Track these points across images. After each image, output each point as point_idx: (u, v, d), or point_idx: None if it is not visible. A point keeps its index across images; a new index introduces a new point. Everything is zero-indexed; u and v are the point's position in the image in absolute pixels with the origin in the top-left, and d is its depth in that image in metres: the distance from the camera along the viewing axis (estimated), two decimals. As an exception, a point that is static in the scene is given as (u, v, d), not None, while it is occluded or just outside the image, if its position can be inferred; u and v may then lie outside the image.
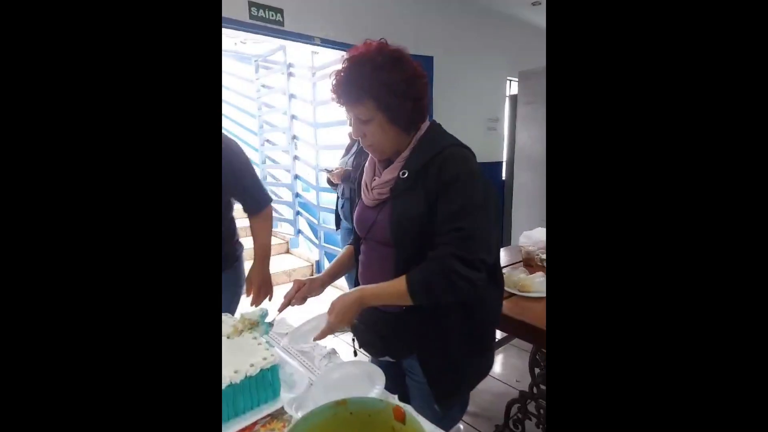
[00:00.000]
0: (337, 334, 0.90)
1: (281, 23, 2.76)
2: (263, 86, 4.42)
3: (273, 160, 4.65)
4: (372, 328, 0.99)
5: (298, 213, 4.24)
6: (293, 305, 1.06)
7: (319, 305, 1.02)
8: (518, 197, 3.63)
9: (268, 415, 0.77)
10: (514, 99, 3.91)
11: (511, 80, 4.54)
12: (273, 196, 4.73)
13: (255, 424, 0.75)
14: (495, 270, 0.98)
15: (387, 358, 1.02)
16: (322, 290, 1.10)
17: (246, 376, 0.75)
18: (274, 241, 4.39)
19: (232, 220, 1.47)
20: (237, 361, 0.76)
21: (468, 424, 1.89)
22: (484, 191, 0.86)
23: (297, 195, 4.20)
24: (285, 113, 4.05)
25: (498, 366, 2.29)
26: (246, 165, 1.39)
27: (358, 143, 2.41)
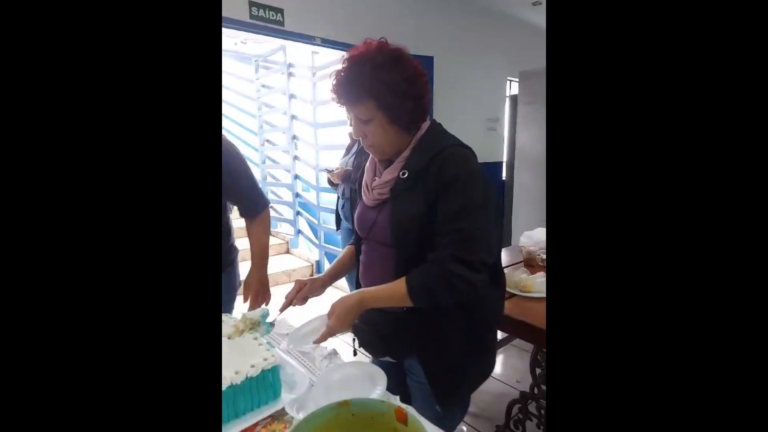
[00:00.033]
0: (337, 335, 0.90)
1: (281, 23, 2.76)
2: (263, 86, 4.42)
3: (273, 160, 4.65)
4: (373, 328, 0.98)
5: (298, 213, 4.24)
6: (294, 305, 1.06)
7: (320, 305, 1.02)
8: (518, 197, 3.63)
9: (269, 416, 0.77)
10: (514, 99, 3.91)
11: (511, 80, 4.54)
12: (273, 196, 4.73)
13: (256, 425, 0.75)
14: (496, 270, 0.98)
15: (388, 359, 1.02)
16: (323, 290, 1.10)
17: (247, 377, 0.74)
18: (273, 241, 4.42)
19: (226, 223, 1.46)
20: (238, 362, 0.76)
21: (468, 424, 1.88)
22: (485, 191, 0.86)
23: (297, 195, 4.20)
24: (285, 113, 4.05)
25: (498, 366, 2.29)
26: (243, 168, 1.37)
27: (359, 143, 2.41)
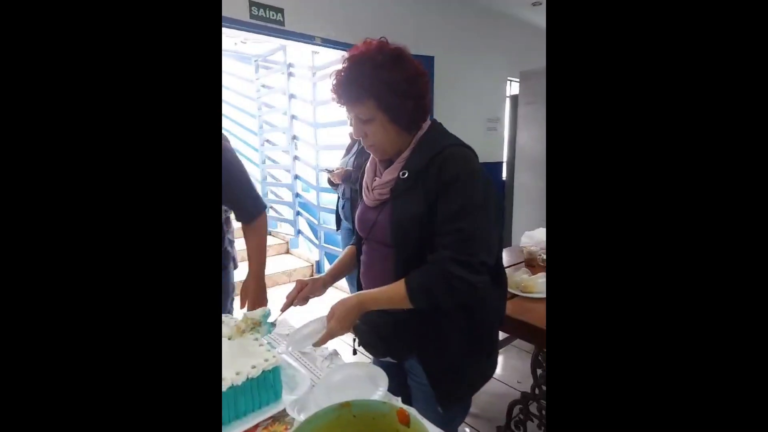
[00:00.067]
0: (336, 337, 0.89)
1: (282, 23, 2.75)
2: (263, 86, 4.42)
3: (273, 160, 4.65)
4: (373, 328, 0.98)
5: (298, 213, 4.24)
6: (296, 305, 1.05)
7: (322, 305, 1.01)
8: (519, 198, 3.62)
9: (270, 417, 0.76)
10: (515, 99, 3.90)
11: (511, 80, 4.54)
12: (273, 197, 4.71)
13: (257, 426, 0.74)
14: (498, 271, 0.98)
15: (388, 359, 1.01)
16: (325, 290, 1.09)
17: (247, 378, 0.74)
18: (273, 241, 4.42)
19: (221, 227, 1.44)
20: (238, 363, 0.76)
21: (469, 425, 1.88)
22: (485, 191, 0.86)
23: (297, 195, 4.20)
24: (285, 113, 4.04)
25: (499, 367, 2.29)
26: (239, 172, 1.34)
27: (359, 143, 2.41)
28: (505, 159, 4.45)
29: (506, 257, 1.88)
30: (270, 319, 0.90)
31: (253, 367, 0.75)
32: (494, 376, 1.03)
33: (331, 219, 3.33)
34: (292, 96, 3.94)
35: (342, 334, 0.87)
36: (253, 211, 1.38)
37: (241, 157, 1.41)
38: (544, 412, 1.64)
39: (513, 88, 4.56)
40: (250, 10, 2.60)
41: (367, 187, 0.98)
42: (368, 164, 1.02)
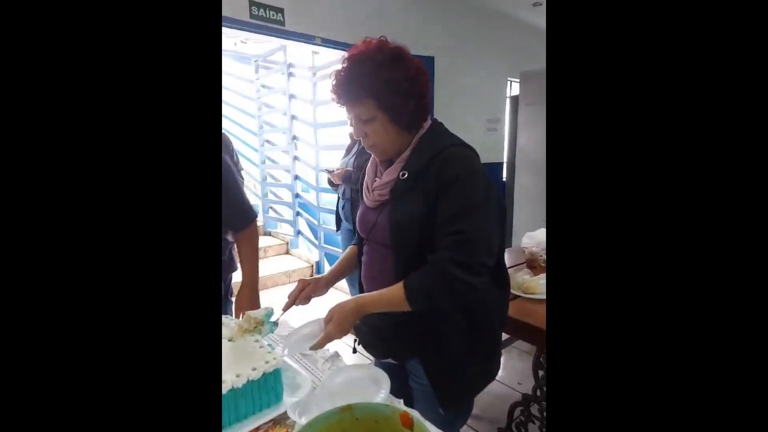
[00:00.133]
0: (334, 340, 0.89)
1: (282, 23, 2.75)
2: (263, 86, 4.41)
3: (273, 161, 4.64)
4: (374, 329, 0.98)
5: (297, 214, 4.23)
6: (298, 305, 1.05)
7: (323, 305, 1.01)
8: (519, 199, 3.63)
9: (271, 420, 0.75)
10: (515, 100, 3.91)
11: (511, 81, 4.54)
12: (272, 197, 4.71)
13: (257, 429, 0.74)
14: (499, 271, 0.97)
15: (390, 361, 1.01)
16: (326, 290, 1.09)
17: (248, 380, 0.73)
18: (273, 241, 4.41)
19: None
20: (239, 365, 0.75)
21: (469, 426, 1.87)
22: (486, 191, 0.85)
23: (297, 196, 4.19)
24: (285, 113, 4.04)
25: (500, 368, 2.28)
26: (229, 179, 1.31)
27: (359, 143, 2.40)
28: (505, 160, 4.45)
29: (507, 258, 1.88)
30: (272, 319, 0.89)
31: (254, 369, 0.74)
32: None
33: (331, 219, 3.33)
34: (292, 96, 3.94)
35: (340, 337, 0.87)
36: (244, 219, 1.34)
37: (241, 158, 1.40)
38: (545, 414, 1.63)
39: (513, 88, 4.55)
40: (250, 9, 2.60)
41: (368, 188, 0.98)
42: (369, 165, 1.02)
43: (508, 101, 4.46)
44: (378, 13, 3.28)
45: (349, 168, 2.46)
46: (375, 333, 0.98)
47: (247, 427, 0.73)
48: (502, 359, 1.04)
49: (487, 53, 4.20)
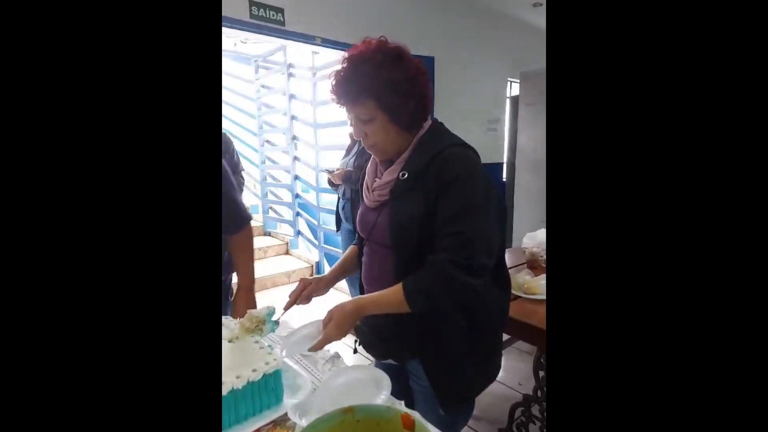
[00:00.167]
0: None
1: (282, 23, 2.74)
2: (263, 87, 4.41)
3: (273, 161, 4.64)
4: (374, 329, 0.98)
5: (297, 214, 4.23)
6: (299, 304, 1.04)
7: (324, 305, 1.00)
8: (519, 199, 3.62)
9: (271, 422, 0.75)
10: (515, 100, 3.90)
11: (511, 81, 4.54)
12: (272, 197, 4.70)
13: (258, 431, 0.73)
14: (500, 272, 0.97)
15: (390, 361, 1.00)
16: (327, 290, 1.09)
17: (248, 382, 0.73)
18: (273, 242, 4.41)
19: None
20: (239, 366, 0.75)
21: (470, 427, 1.87)
22: (486, 191, 0.85)
23: (297, 196, 4.19)
24: (285, 114, 4.04)
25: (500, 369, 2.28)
26: (224, 181, 1.28)
27: (359, 144, 2.40)
28: (505, 160, 4.45)
29: (508, 259, 1.87)
30: (273, 318, 0.88)
31: (254, 370, 0.74)
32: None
33: (331, 220, 3.32)
34: (292, 96, 3.94)
35: (339, 339, 0.86)
36: (238, 221, 1.31)
37: (241, 158, 1.38)
38: (546, 415, 1.63)
39: (513, 89, 4.55)
40: (250, 9, 2.59)
41: (368, 188, 0.98)
42: (369, 165, 1.02)
43: (508, 101, 4.46)
44: (378, 13, 3.28)
45: (350, 168, 2.46)
46: (375, 333, 0.98)
47: (247, 428, 0.73)
48: (503, 360, 1.03)
49: (487, 53, 4.20)
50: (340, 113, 0.97)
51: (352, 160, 2.48)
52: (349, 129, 2.15)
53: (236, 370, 0.74)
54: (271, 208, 4.68)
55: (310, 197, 4.04)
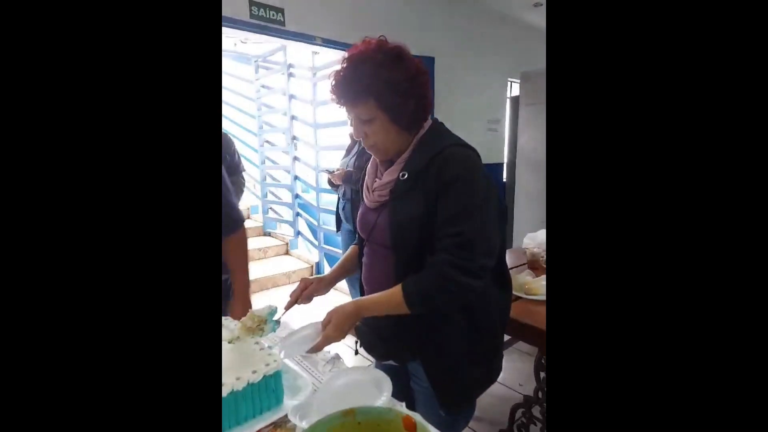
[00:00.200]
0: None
1: (282, 23, 2.74)
2: (263, 87, 4.41)
3: (272, 161, 4.64)
4: (374, 329, 0.97)
5: (297, 214, 4.22)
6: (300, 304, 1.04)
7: (325, 305, 1.00)
8: (519, 199, 3.62)
9: (272, 424, 0.75)
10: (515, 100, 3.90)
11: (512, 81, 4.53)
12: (272, 197, 4.69)
13: (258, 432, 0.73)
14: (501, 272, 0.96)
15: (391, 362, 1.00)
16: (328, 290, 1.08)
17: (248, 383, 0.72)
18: (273, 242, 4.40)
19: None
20: (239, 368, 0.74)
21: (471, 428, 1.86)
22: (486, 191, 0.84)
23: (297, 196, 4.18)
24: (285, 114, 4.03)
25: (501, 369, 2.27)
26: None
27: (359, 144, 2.40)
28: (505, 160, 4.44)
29: (508, 259, 1.87)
30: (275, 317, 0.88)
31: (254, 371, 0.74)
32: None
33: (331, 220, 3.32)
34: (292, 96, 3.93)
35: (338, 340, 0.86)
36: (231, 224, 1.28)
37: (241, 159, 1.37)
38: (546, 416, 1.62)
39: (514, 89, 4.55)
40: (250, 9, 2.59)
41: (368, 189, 0.97)
42: (369, 165, 1.01)
43: (508, 101, 4.46)
44: (378, 13, 3.28)
45: (350, 168, 2.45)
46: (375, 333, 0.97)
47: (247, 430, 0.72)
48: (504, 361, 1.03)
49: (488, 53, 4.20)
50: (340, 113, 0.97)
51: (352, 160, 2.47)
52: (349, 129, 2.14)
53: (236, 371, 0.73)
54: (270, 208, 4.68)
55: (310, 197, 4.04)
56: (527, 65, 3.59)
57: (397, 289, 0.83)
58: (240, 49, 4.65)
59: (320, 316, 0.89)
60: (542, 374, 1.65)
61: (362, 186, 1.02)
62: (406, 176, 0.87)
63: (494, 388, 0.96)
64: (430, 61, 3.46)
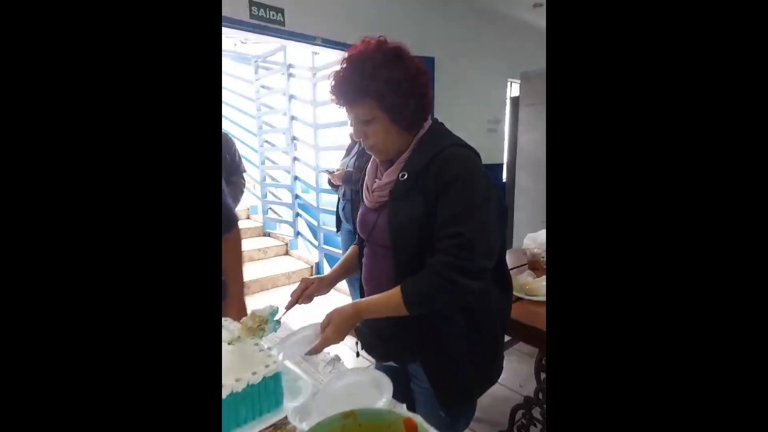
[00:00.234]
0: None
1: (282, 23, 2.74)
2: (263, 87, 4.41)
3: (272, 161, 4.64)
4: (374, 330, 0.97)
5: (297, 215, 4.22)
6: (300, 304, 1.04)
7: (325, 305, 1.00)
8: (519, 199, 3.61)
9: (272, 425, 0.74)
10: (515, 101, 3.90)
11: (512, 82, 4.53)
12: (272, 197, 4.68)
13: (257, 434, 0.72)
14: (501, 273, 0.96)
15: (391, 363, 1.00)
16: (329, 290, 1.08)
17: (248, 385, 0.72)
18: (272, 242, 4.40)
19: None
20: (239, 369, 0.74)
21: (471, 429, 1.86)
22: (486, 192, 0.84)
23: (296, 196, 4.18)
24: (285, 114, 4.03)
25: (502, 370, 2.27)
26: None
27: (359, 144, 2.39)
28: (505, 161, 4.44)
29: (509, 260, 1.85)
30: (276, 317, 0.87)
31: (254, 373, 0.73)
32: (495, 379, 1.01)
33: (331, 220, 3.32)
34: (292, 97, 3.93)
35: (337, 342, 0.86)
36: (225, 224, 1.27)
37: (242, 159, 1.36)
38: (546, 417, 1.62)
39: (514, 89, 4.55)
40: (250, 10, 2.59)
41: (368, 189, 0.97)
42: (369, 166, 1.01)
43: (508, 102, 4.46)
44: (378, 13, 3.27)
45: (350, 169, 2.45)
46: (375, 334, 0.97)
47: (247, 432, 0.72)
48: (504, 361, 1.03)
49: (488, 53, 4.20)
50: (340, 113, 0.97)
51: (353, 160, 2.47)
52: (349, 129, 2.14)
53: (236, 372, 0.73)
54: (270, 208, 4.68)
55: (310, 198, 4.04)
56: (527, 65, 3.58)
57: (396, 291, 0.83)
58: (240, 50, 4.65)
59: (320, 317, 0.89)
60: (543, 375, 1.64)
61: (362, 186, 1.02)
62: (405, 176, 0.87)
63: (494, 389, 0.96)
64: (430, 61, 3.46)
